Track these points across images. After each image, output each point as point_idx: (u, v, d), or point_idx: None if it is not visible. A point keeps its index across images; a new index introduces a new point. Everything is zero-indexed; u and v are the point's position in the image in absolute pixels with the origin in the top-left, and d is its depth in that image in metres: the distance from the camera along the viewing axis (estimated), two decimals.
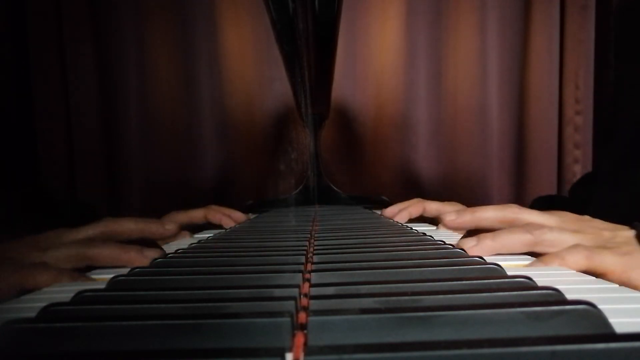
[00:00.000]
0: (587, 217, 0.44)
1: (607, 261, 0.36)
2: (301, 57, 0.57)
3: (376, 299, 0.20)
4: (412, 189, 1.04)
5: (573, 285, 0.28)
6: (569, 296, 0.20)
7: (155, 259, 0.36)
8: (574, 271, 0.32)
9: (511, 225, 0.41)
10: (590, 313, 0.18)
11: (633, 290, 0.26)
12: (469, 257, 0.31)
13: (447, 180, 1.01)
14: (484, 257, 0.30)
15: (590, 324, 0.18)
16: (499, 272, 0.27)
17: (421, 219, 0.62)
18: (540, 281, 0.24)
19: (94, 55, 1.01)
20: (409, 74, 1.05)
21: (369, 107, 1.06)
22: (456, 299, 0.21)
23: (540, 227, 0.39)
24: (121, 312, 0.20)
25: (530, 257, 0.39)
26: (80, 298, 0.23)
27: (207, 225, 0.61)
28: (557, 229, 0.40)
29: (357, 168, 1.06)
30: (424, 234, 0.44)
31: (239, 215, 0.64)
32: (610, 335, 0.17)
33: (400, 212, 0.60)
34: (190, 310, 0.20)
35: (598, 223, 0.42)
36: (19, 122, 0.92)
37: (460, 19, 1.05)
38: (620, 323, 0.19)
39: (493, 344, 0.15)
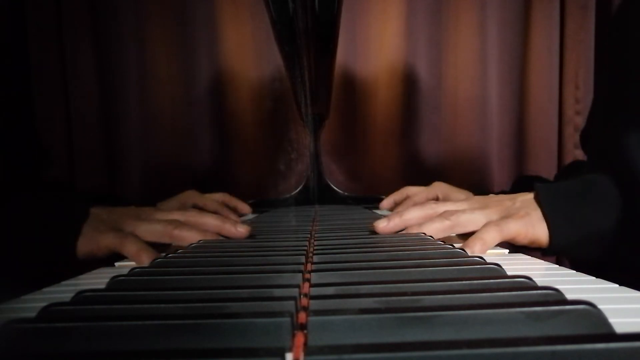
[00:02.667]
0: (491, 195, 0.52)
1: (512, 228, 0.44)
2: (301, 57, 0.57)
3: (376, 299, 0.20)
4: None
5: (573, 285, 0.28)
6: (569, 296, 0.20)
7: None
8: (573, 271, 0.32)
9: (432, 217, 0.48)
10: (590, 313, 0.18)
11: (633, 290, 0.26)
12: (468, 257, 0.31)
13: (447, 179, 1.01)
14: (483, 257, 0.30)
15: (590, 324, 0.18)
16: (499, 272, 0.27)
17: None
18: (540, 281, 0.24)
19: (94, 56, 1.01)
20: (408, 74, 1.05)
21: (368, 107, 1.06)
22: (456, 299, 0.21)
23: (454, 212, 0.47)
24: (121, 312, 0.20)
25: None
26: (80, 298, 0.23)
27: None
28: (468, 210, 0.47)
29: (357, 167, 1.06)
30: (424, 234, 0.44)
31: (245, 208, 0.76)
32: (610, 335, 0.17)
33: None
34: (190, 310, 0.20)
35: (499, 196, 0.51)
36: (18, 122, 0.92)
37: (460, 19, 1.05)
38: (620, 323, 0.19)
39: (493, 344, 0.15)
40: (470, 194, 0.71)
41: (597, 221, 0.44)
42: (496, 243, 0.43)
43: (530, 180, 0.51)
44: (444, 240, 0.47)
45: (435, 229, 0.46)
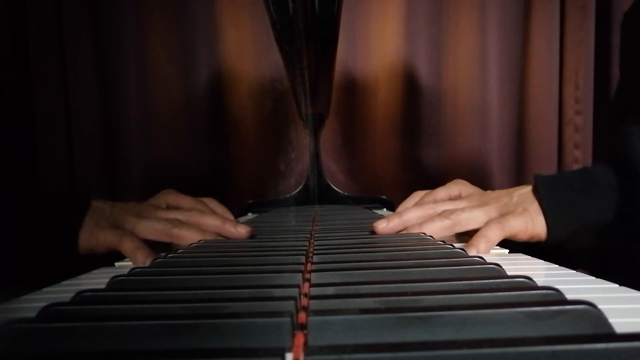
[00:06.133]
0: (489, 191, 0.53)
1: (513, 225, 0.44)
2: (301, 57, 0.57)
3: (376, 299, 0.20)
4: (412, 189, 1.04)
5: (573, 285, 0.28)
6: (569, 296, 0.20)
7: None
8: (573, 271, 0.32)
9: (432, 216, 0.48)
10: (590, 313, 0.18)
11: (633, 290, 0.26)
12: (468, 257, 0.32)
13: (447, 180, 1.01)
14: (483, 257, 0.30)
15: (590, 324, 0.18)
16: (499, 272, 0.27)
17: None
18: (540, 281, 0.24)
19: (94, 55, 1.01)
20: (408, 74, 1.05)
21: (368, 107, 1.06)
22: (456, 299, 0.21)
23: (454, 211, 0.47)
24: (121, 312, 0.20)
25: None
26: (80, 298, 0.23)
27: None
28: (467, 208, 0.47)
29: (357, 167, 1.06)
30: (424, 234, 0.44)
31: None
32: (610, 335, 0.17)
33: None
34: (190, 310, 0.20)
35: (497, 192, 0.51)
36: (18, 122, 0.92)
37: (460, 19, 1.05)
38: (620, 323, 0.19)
39: (493, 344, 0.15)
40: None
41: (595, 210, 0.44)
42: (499, 240, 0.43)
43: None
44: (444, 240, 0.47)
45: (435, 229, 0.46)
